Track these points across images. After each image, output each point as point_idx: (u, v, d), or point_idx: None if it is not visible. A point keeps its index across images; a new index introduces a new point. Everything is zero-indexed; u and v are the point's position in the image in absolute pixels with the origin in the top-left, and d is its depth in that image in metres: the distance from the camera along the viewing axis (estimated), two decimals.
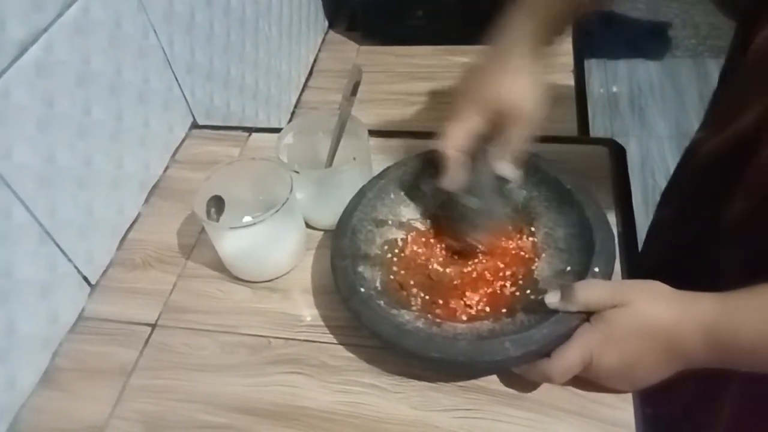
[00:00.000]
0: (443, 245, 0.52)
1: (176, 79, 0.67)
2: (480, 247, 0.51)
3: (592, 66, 1.83)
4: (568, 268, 0.47)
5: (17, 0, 0.46)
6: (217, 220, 0.54)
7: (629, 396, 0.43)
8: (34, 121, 0.48)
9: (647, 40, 1.86)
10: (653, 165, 1.35)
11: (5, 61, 0.45)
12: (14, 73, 0.46)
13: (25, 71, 0.47)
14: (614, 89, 1.82)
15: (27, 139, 0.48)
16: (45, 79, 0.49)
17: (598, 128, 1.67)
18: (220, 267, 0.56)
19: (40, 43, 0.48)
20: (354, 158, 0.54)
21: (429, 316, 0.46)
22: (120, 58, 0.58)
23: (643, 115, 1.69)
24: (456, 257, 0.52)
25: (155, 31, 0.63)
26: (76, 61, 0.52)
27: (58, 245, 0.52)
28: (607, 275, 0.44)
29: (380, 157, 0.61)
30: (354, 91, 0.55)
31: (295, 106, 1.03)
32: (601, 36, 1.88)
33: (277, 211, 0.50)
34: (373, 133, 0.63)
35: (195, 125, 0.71)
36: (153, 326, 0.53)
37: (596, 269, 0.44)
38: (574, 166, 0.58)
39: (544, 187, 0.52)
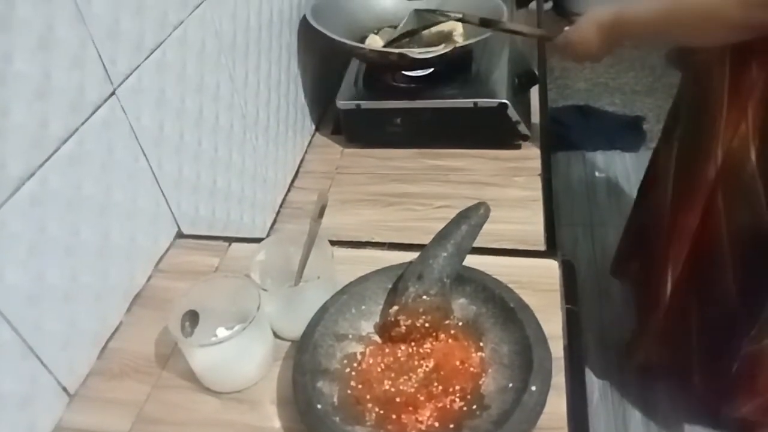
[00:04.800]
0: (397, 356, 0.56)
1: (163, 195, 0.73)
2: (401, 323, 0.55)
3: (570, 157, 1.92)
4: (510, 385, 0.50)
5: (17, 140, 0.52)
6: (192, 333, 0.58)
7: None
8: (25, 246, 0.53)
9: (623, 133, 1.96)
10: None
11: (2, 197, 0.51)
12: (10, 206, 0.51)
13: (21, 204, 0.52)
14: (597, 174, 1.90)
15: (18, 263, 0.53)
16: (38, 208, 0.54)
17: (577, 216, 1.73)
18: (192, 377, 0.59)
19: (35, 177, 0.54)
20: (318, 277, 0.58)
21: (381, 431, 0.49)
22: (110, 182, 0.64)
23: (620, 204, 1.76)
24: (388, 345, 0.56)
25: (145, 155, 0.69)
26: (68, 189, 0.58)
27: (40, 359, 0.55)
28: (544, 393, 0.48)
29: (347, 267, 0.65)
30: (321, 214, 0.61)
31: (281, 206, 1.09)
32: (579, 129, 1.98)
33: (245, 328, 0.54)
34: (341, 243, 0.68)
35: (180, 235, 0.77)
36: None
37: (533, 388, 0.48)
38: (527, 279, 0.63)
39: (491, 305, 0.56)
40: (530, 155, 1.10)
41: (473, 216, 0.57)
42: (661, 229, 1.04)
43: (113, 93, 0.63)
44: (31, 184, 0.53)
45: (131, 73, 0.65)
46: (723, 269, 0.94)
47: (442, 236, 0.57)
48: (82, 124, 0.59)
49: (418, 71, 1.10)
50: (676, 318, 1.07)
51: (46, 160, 0.55)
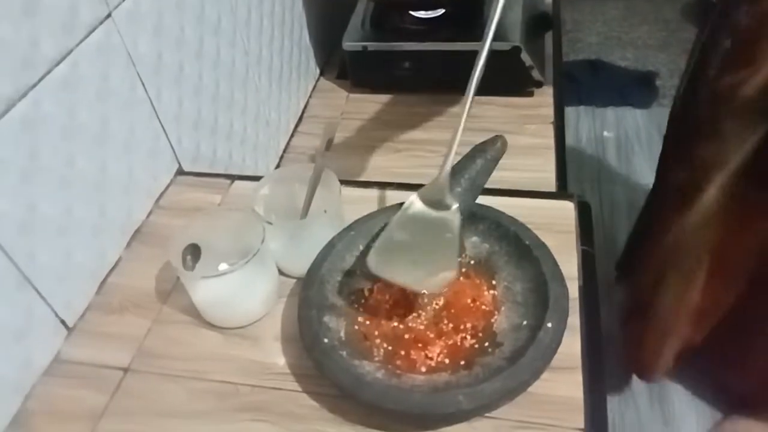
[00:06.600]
0: (406, 293, 0.54)
1: (163, 128, 0.70)
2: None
3: (580, 112, 1.87)
4: (525, 322, 0.48)
5: (7, 58, 0.49)
6: (193, 267, 0.56)
7: None
8: (16, 173, 0.51)
9: (635, 88, 1.91)
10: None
11: None
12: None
13: (10, 127, 0.49)
14: (605, 134, 1.86)
15: (8, 189, 0.50)
16: (30, 133, 0.51)
17: (586, 173, 1.70)
18: (194, 312, 0.57)
19: (27, 99, 0.51)
20: (325, 211, 0.56)
21: (390, 367, 0.48)
22: (107, 111, 0.61)
23: (630, 161, 1.72)
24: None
25: (143, 84, 0.66)
26: (62, 115, 0.55)
27: (36, 289, 0.53)
28: (560, 331, 0.46)
29: (353, 207, 0.63)
30: (328, 147, 0.58)
31: (284, 151, 1.06)
32: (590, 84, 1.93)
33: (247, 261, 0.52)
34: (348, 183, 0.66)
35: (180, 171, 0.74)
36: (125, 370, 0.54)
37: (549, 324, 0.46)
38: (542, 220, 0.60)
39: (505, 243, 0.54)
40: (543, 103, 1.07)
41: (489, 150, 0.54)
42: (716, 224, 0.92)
43: (109, 15, 0.59)
44: (23, 106, 0.50)
45: None
46: None
47: (455, 171, 0.54)
48: (76, 45, 0.56)
49: (429, 12, 1.05)
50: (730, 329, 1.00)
51: (39, 81, 0.52)
